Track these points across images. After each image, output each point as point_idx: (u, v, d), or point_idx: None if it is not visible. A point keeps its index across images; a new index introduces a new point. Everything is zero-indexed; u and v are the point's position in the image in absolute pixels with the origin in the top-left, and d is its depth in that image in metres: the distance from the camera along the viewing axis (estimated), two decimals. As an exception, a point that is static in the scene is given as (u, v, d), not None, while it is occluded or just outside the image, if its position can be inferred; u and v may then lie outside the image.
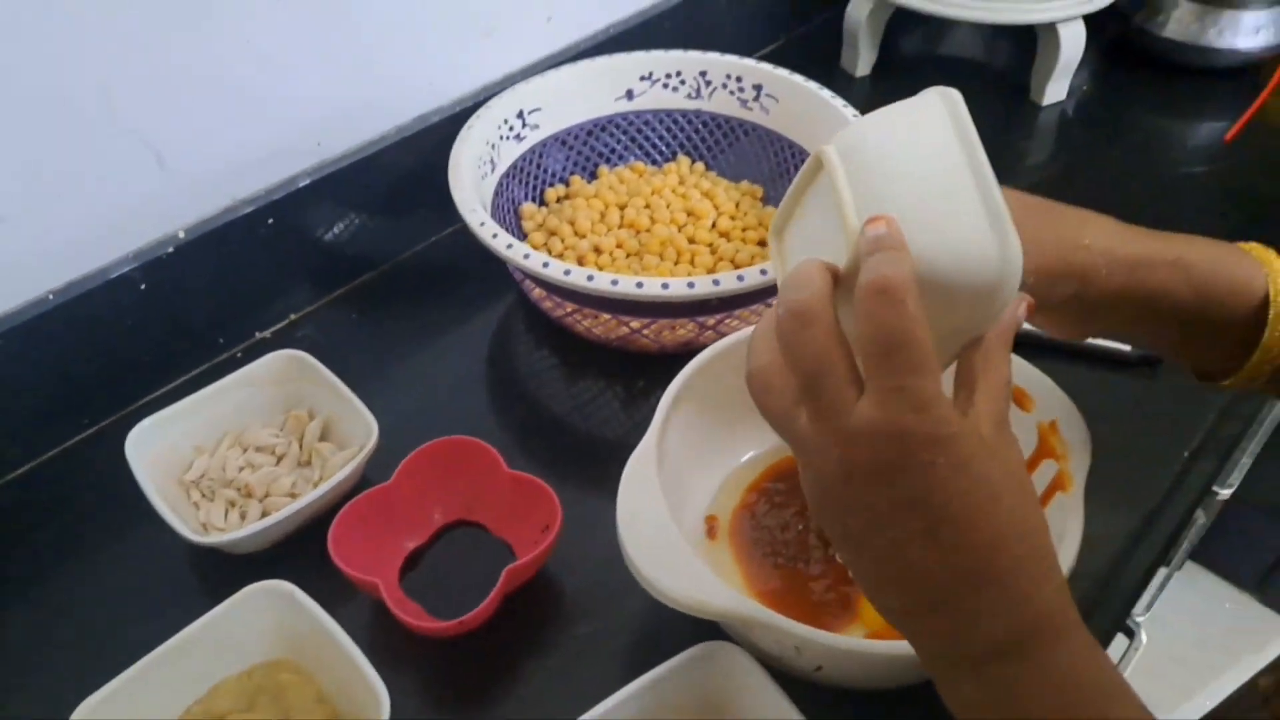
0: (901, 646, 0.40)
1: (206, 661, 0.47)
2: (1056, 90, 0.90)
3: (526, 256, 0.57)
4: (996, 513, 0.31)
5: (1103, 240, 0.41)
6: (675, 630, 0.47)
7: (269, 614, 0.48)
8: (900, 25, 0.94)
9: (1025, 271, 0.32)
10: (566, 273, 0.57)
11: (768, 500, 0.56)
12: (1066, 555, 0.43)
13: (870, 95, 0.93)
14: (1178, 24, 0.91)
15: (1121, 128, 0.90)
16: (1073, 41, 0.86)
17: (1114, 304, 0.42)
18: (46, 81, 0.52)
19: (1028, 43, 0.90)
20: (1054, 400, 0.50)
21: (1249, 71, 0.91)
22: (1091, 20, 0.87)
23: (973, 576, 0.31)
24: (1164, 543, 0.55)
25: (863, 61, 0.94)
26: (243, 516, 0.55)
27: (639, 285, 0.56)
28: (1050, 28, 0.86)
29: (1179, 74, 0.93)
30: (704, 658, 0.45)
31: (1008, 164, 0.85)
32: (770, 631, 0.42)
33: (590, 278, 0.56)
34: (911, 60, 0.99)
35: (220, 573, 0.53)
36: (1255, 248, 0.44)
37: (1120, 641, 0.79)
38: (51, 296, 0.57)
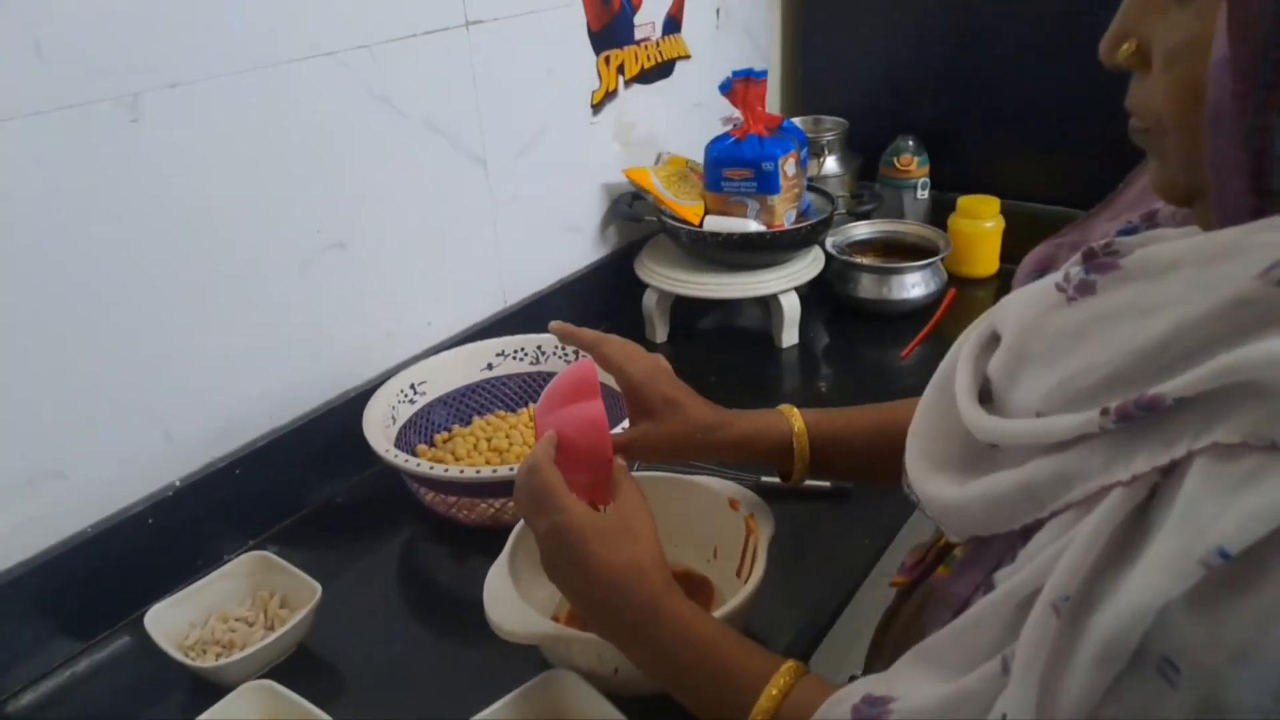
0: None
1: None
2: (790, 336, 1.29)
3: (407, 461, 0.88)
4: (599, 553, 0.61)
5: (696, 418, 0.75)
6: (518, 667, 0.73)
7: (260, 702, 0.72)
8: (683, 302, 1.33)
9: (657, 435, 0.70)
10: (430, 467, 0.88)
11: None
12: (746, 589, 0.72)
13: (668, 353, 1.31)
14: (865, 288, 1.35)
15: (835, 357, 1.31)
16: (790, 305, 1.27)
17: (703, 453, 0.77)
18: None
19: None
20: (751, 501, 0.81)
21: (919, 312, 1.34)
22: (816, 286, 1.30)
23: (600, 587, 0.61)
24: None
25: (660, 332, 1.33)
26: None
27: (467, 470, 0.87)
28: (774, 297, 1.26)
29: (872, 318, 1.36)
30: (543, 683, 0.71)
31: (761, 385, 1.23)
32: (573, 644, 0.69)
33: (437, 468, 0.88)
34: (696, 326, 1.38)
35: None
36: (786, 408, 0.77)
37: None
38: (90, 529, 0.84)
